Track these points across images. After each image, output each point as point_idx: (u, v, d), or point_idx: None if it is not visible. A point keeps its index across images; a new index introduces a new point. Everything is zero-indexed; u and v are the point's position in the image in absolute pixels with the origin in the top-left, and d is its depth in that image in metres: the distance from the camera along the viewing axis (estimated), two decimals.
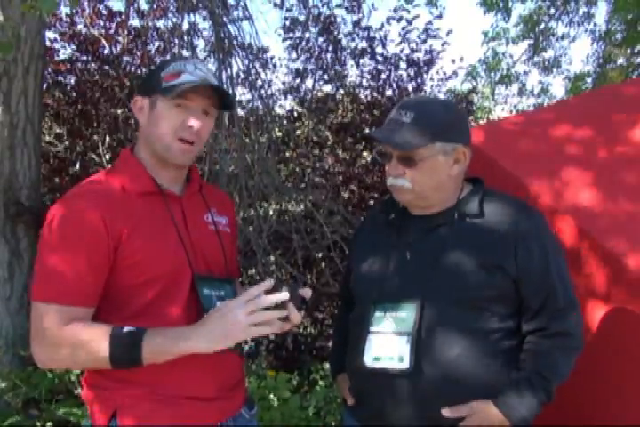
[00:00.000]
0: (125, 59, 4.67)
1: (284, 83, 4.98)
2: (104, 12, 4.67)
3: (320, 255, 3.94)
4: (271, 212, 3.99)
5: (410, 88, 5.01)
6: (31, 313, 1.46)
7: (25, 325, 3.04)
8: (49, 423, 2.76)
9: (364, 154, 4.80)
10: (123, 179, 1.56)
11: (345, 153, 4.74)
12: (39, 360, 1.47)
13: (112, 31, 4.65)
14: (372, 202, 4.54)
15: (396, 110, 1.68)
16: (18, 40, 2.94)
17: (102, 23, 4.67)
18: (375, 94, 4.94)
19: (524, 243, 1.63)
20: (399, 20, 4.92)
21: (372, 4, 5.01)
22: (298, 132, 4.80)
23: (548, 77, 11.76)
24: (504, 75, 11.23)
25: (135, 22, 4.77)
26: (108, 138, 4.41)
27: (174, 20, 4.14)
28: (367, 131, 4.69)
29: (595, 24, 10.05)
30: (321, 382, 3.35)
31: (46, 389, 2.83)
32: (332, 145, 4.78)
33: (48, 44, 4.05)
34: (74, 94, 4.53)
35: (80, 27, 4.68)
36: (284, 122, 4.68)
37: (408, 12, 4.95)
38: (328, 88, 5.01)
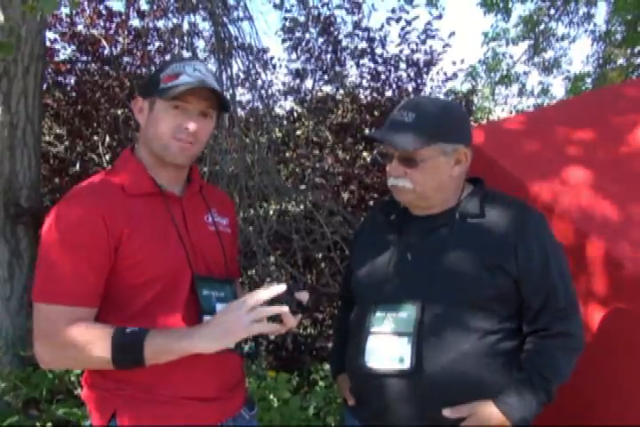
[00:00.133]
0: (125, 59, 4.68)
1: (284, 83, 4.98)
2: (104, 12, 4.67)
3: (320, 256, 3.94)
4: (271, 212, 3.99)
5: (410, 89, 5.01)
6: (33, 314, 1.46)
7: (25, 325, 3.05)
8: (49, 424, 2.76)
9: (364, 154, 4.80)
10: (123, 179, 1.56)
11: (345, 153, 4.74)
12: (42, 361, 1.47)
13: (112, 31, 4.65)
14: (371, 202, 4.54)
15: (397, 111, 1.68)
16: (18, 40, 2.94)
17: (102, 23, 4.67)
18: (375, 95, 4.94)
19: (524, 243, 1.63)
20: (398, 20, 4.92)
21: (372, 5, 5.02)
22: (298, 132, 4.80)
23: (548, 78, 11.78)
24: (504, 75, 11.23)
25: (135, 23, 4.77)
26: (107, 138, 4.41)
27: (174, 20, 4.15)
28: (367, 131, 4.69)
29: (595, 24, 10.07)
30: (321, 383, 3.35)
31: (46, 389, 2.83)
32: (331, 145, 4.77)
33: (48, 44, 4.04)
34: (74, 95, 4.53)
35: (80, 27, 4.69)
36: (284, 122, 4.68)
37: (407, 12, 4.96)
38: (328, 89, 5.02)
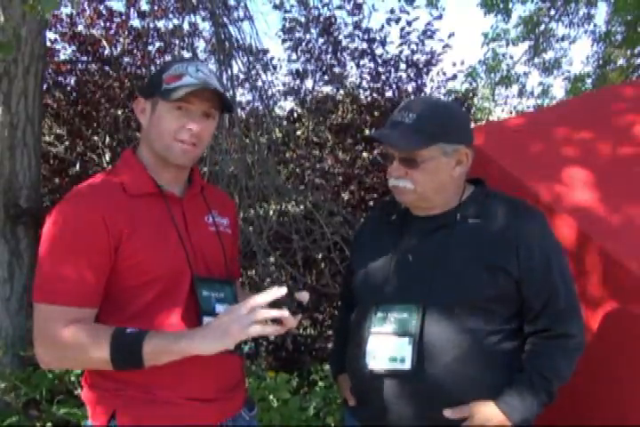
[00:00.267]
0: (126, 59, 4.68)
1: (284, 84, 4.99)
2: (104, 12, 4.67)
3: (320, 256, 3.94)
4: (271, 212, 3.99)
5: (410, 89, 5.01)
6: (34, 314, 1.46)
7: (24, 325, 3.05)
8: (48, 424, 2.76)
9: (364, 155, 4.80)
10: (123, 180, 1.56)
11: (345, 154, 4.74)
12: (42, 361, 1.47)
13: (112, 32, 4.65)
14: (371, 203, 4.54)
15: (398, 111, 1.68)
16: (18, 40, 2.94)
17: (103, 24, 4.68)
18: (375, 95, 4.94)
19: (525, 244, 1.63)
20: (398, 21, 4.93)
21: (373, 6, 5.02)
22: (298, 132, 4.80)
23: (548, 78, 11.77)
24: (504, 76, 11.23)
25: (136, 23, 4.78)
26: (108, 138, 4.42)
27: (175, 20, 4.15)
28: (367, 132, 4.69)
29: (595, 25, 10.06)
30: (320, 383, 3.35)
31: (46, 389, 2.83)
32: (331, 146, 4.78)
33: (48, 44, 4.05)
34: (74, 95, 4.53)
35: (80, 27, 4.69)
36: (284, 123, 4.68)
37: (408, 13, 4.96)
38: (328, 89, 5.02)
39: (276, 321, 1.42)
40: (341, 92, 5.00)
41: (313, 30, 4.83)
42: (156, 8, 4.52)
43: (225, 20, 3.65)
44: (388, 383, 1.64)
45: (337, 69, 4.91)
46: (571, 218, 2.09)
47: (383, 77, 4.95)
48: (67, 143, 4.57)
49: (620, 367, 1.98)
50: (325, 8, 4.80)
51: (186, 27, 3.94)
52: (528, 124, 2.54)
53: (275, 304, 1.40)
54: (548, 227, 1.71)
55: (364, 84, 5.03)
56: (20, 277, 3.13)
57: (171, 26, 4.22)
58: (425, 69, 5.06)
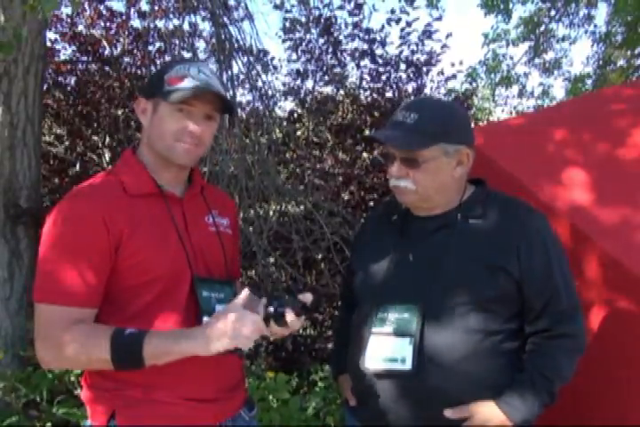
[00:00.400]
0: (126, 59, 4.68)
1: (284, 84, 4.99)
2: (105, 12, 4.67)
3: (320, 256, 3.94)
4: (271, 213, 3.99)
5: (410, 89, 5.01)
6: (34, 314, 1.46)
7: (24, 325, 3.05)
8: (48, 424, 2.76)
9: (364, 155, 4.80)
10: (124, 180, 1.56)
11: (345, 154, 4.74)
12: (43, 361, 1.48)
13: (113, 32, 4.65)
14: (372, 203, 4.54)
15: (399, 111, 1.68)
16: (19, 41, 2.93)
17: (103, 24, 4.68)
18: (375, 96, 4.94)
19: (526, 244, 1.63)
20: (398, 21, 4.93)
21: (373, 6, 5.02)
22: (298, 133, 4.80)
23: (548, 79, 11.76)
24: (504, 76, 11.22)
25: (136, 23, 4.78)
26: (108, 138, 4.42)
27: (175, 21, 4.15)
28: (367, 132, 4.69)
29: (595, 26, 10.07)
30: (320, 384, 3.35)
31: (46, 389, 2.83)
32: (331, 146, 4.77)
33: (49, 44, 4.05)
34: (74, 95, 4.53)
35: (81, 27, 4.69)
36: (285, 123, 4.68)
37: (407, 14, 4.97)
38: (328, 89, 5.02)
39: (281, 322, 1.42)
40: (341, 92, 5.00)
41: (313, 30, 4.83)
42: (156, 8, 4.51)
43: (225, 20, 3.66)
44: (389, 384, 1.64)
45: (337, 70, 4.91)
46: (570, 218, 2.09)
47: (383, 78, 4.96)
48: (67, 143, 4.57)
49: (619, 368, 1.98)
50: (326, 8, 4.81)
51: (186, 27, 3.95)
52: (528, 124, 2.54)
53: (278, 305, 1.41)
54: (548, 227, 1.71)
55: (365, 84, 5.03)
56: (19, 278, 3.13)
57: (171, 26, 4.22)
58: (425, 70, 5.06)
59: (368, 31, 4.90)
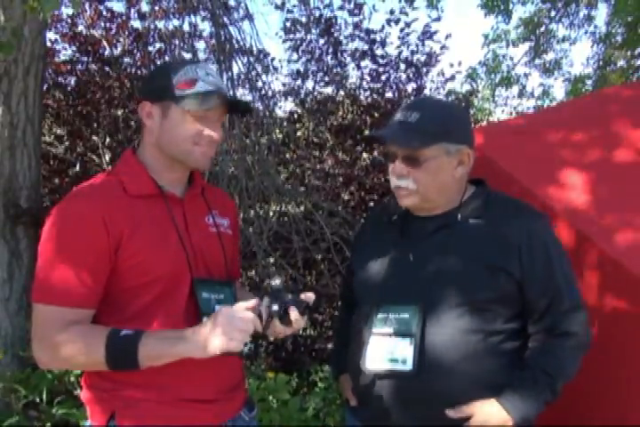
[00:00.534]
0: (126, 60, 4.68)
1: (284, 84, 4.99)
2: (105, 13, 4.67)
3: (320, 257, 3.94)
4: (271, 213, 3.99)
5: (409, 90, 5.02)
6: (32, 314, 1.46)
7: (24, 326, 3.04)
8: (48, 424, 2.76)
9: (364, 156, 4.80)
10: (124, 180, 1.56)
11: (345, 155, 4.74)
12: (39, 361, 1.48)
13: (113, 32, 4.65)
14: (372, 204, 4.54)
15: (401, 111, 1.68)
16: (19, 41, 2.94)
17: (103, 24, 4.67)
18: (375, 96, 4.94)
19: (528, 245, 1.63)
20: (397, 22, 4.94)
21: (373, 6, 5.03)
22: (298, 133, 4.80)
23: (548, 80, 11.76)
24: (504, 77, 11.22)
25: (136, 24, 4.77)
26: (108, 139, 4.41)
27: (175, 21, 4.15)
28: (367, 132, 4.69)
29: (595, 26, 10.06)
30: (320, 384, 3.34)
31: (46, 390, 2.83)
32: (332, 147, 4.77)
33: (49, 44, 4.05)
34: (74, 95, 4.53)
35: (81, 28, 4.69)
36: (285, 123, 4.68)
37: (407, 15, 4.97)
38: (328, 90, 5.02)
39: (285, 322, 1.42)
40: (342, 92, 5.00)
41: (314, 31, 4.83)
42: (156, 9, 4.51)
43: (225, 20, 3.65)
44: (390, 384, 1.64)
45: (337, 70, 4.91)
46: (569, 219, 2.09)
47: (383, 78, 4.96)
48: (67, 143, 4.57)
49: (620, 368, 1.98)
50: (326, 9, 4.81)
51: (186, 27, 3.94)
52: (528, 125, 2.54)
53: (282, 304, 1.41)
54: (549, 228, 1.71)
55: (365, 84, 5.03)
56: (19, 278, 3.12)
57: (171, 26, 4.22)
58: (424, 70, 5.06)
59: (368, 32, 4.91)
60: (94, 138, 4.45)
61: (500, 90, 11.64)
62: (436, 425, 1.63)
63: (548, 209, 2.10)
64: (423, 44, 5.03)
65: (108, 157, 4.32)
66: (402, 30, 4.98)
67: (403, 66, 5.00)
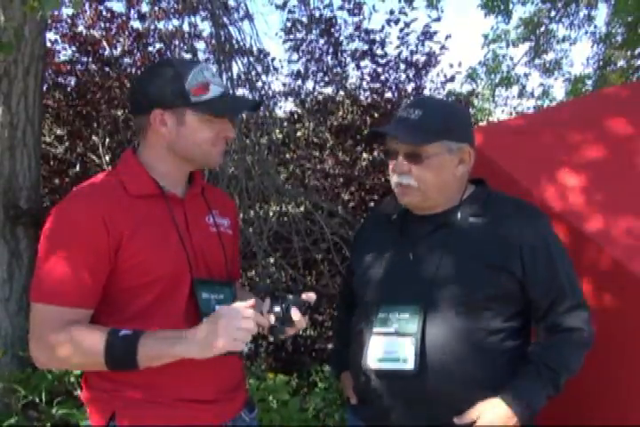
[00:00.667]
0: (126, 60, 4.68)
1: (284, 84, 4.99)
2: (105, 13, 4.66)
3: (320, 257, 3.94)
4: (271, 213, 3.99)
5: (409, 90, 5.02)
6: (30, 314, 1.46)
7: (24, 326, 3.04)
8: (48, 425, 2.75)
9: (364, 156, 4.80)
10: (124, 180, 1.56)
11: (345, 155, 4.74)
12: (37, 361, 1.47)
13: (113, 32, 4.65)
14: (372, 204, 4.54)
15: (403, 108, 1.69)
16: (19, 41, 2.93)
17: (103, 25, 4.67)
18: (375, 96, 4.95)
19: (530, 245, 1.63)
20: (397, 22, 4.94)
21: (373, 6, 5.03)
22: (298, 133, 4.80)
23: (548, 80, 11.76)
24: (504, 77, 11.23)
25: (136, 24, 4.77)
26: (108, 139, 4.41)
27: (175, 21, 4.15)
28: (367, 133, 4.69)
29: (595, 26, 10.06)
30: (320, 384, 3.35)
31: (46, 390, 2.83)
32: (332, 147, 4.77)
33: (49, 45, 4.04)
34: (74, 95, 4.52)
35: (81, 28, 4.68)
36: (285, 124, 4.67)
37: (406, 15, 4.98)
38: (328, 90, 5.02)
39: (287, 322, 1.42)
40: (342, 92, 5.00)
41: (314, 31, 4.83)
42: (156, 9, 4.51)
43: (225, 20, 3.65)
44: (391, 384, 1.64)
45: (337, 70, 4.91)
46: (570, 219, 2.09)
47: (383, 78, 4.96)
48: (67, 144, 4.57)
49: (620, 368, 1.98)
50: (327, 9, 4.81)
51: (186, 28, 3.95)
52: (528, 125, 2.54)
53: (284, 305, 1.41)
54: (550, 227, 1.72)
55: (365, 84, 5.03)
56: (19, 278, 3.12)
57: (171, 27, 4.22)
58: (424, 71, 5.06)
59: (368, 32, 4.91)
60: (94, 138, 4.45)
61: (499, 90, 11.65)
62: (437, 425, 1.63)
63: (548, 209, 2.10)
64: (423, 45, 5.04)
65: (108, 158, 4.32)
66: (401, 30, 4.98)
67: (402, 66, 5.01)
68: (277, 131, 4.43)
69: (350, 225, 3.84)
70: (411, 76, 5.03)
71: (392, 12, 4.95)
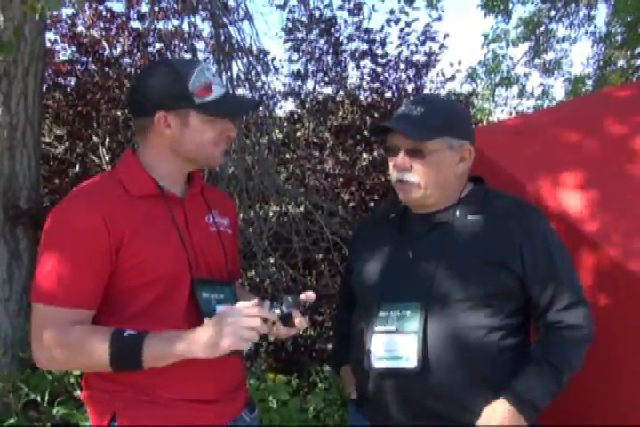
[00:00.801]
0: (126, 60, 4.68)
1: (284, 84, 4.99)
2: (105, 13, 4.66)
3: (320, 257, 3.94)
4: (271, 213, 3.99)
5: (409, 90, 5.02)
6: (32, 315, 1.46)
7: (24, 326, 3.04)
8: (48, 425, 2.76)
9: (365, 156, 4.80)
10: (124, 180, 1.55)
11: (345, 155, 4.74)
12: (39, 362, 1.47)
13: (112, 33, 4.65)
14: (372, 204, 4.54)
15: (405, 105, 1.70)
16: (19, 41, 2.93)
17: (103, 25, 4.67)
18: (375, 96, 4.95)
19: (529, 243, 1.63)
20: (397, 22, 4.94)
21: (373, 6, 5.03)
22: (298, 133, 4.80)
23: (548, 79, 11.76)
24: (504, 77, 11.23)
25: (136, 24, 4.77)
26: (107, 139, 4.41)
27: (175, 21, 4.15)
28: (367, 133, 4.69)
29: (595, 26, 10.06)
30: (320, 385, 3.35)
31: (46, 390, 2.83)
32: (332, 147, 4.77)
33: (48, 45, 4.05)
34: (74, 96, 4.52)
35: (80, 28, 4.69)
36: (285, 124, 4.68)
37: (407, 15, 4.98)
38: (328, 90, 5.02)
39: (288, 322, 1.42)
40: (342, 92, 5.00)
41: (314, 31, 4.83)
42: (156, 9, 4.51)
43: (225, 20, 3.66)
44: (394, 382, 1.64)
45: (337, 70, 4.91)
46: (569, 219, 2.09)
47: (382, 78, 4.96)
48: (67, 144, 4.57)
49: (620, 367, 1.98)
50: (327, 9, 4.81)
51: (186, 28, 3.95)
52: (527, 124, 2.54)
53: (284, 306, 1.41)
54: (549, 224, 1.73)
55: (365, 84, 5.03)
56: (19, 279, 3.12)
57: (171, 27, 4.22)
58: (424, 70, 5.06)
59: (368, 32, 4.91)
60: (94, 138, 4.45)
61: (499, 90, 11.65)
62: (439, 423, 1.63)
63: (547, 208, 2.10)
64: (423, 44, 5.04)
65: (107, 158, 4.32)
66: (402, 30, 4.98)
67: (403, 66, 5.01)
68: (277, 131, 4.43)
69: (350, 225, 3.84)
70: (411, 75, 5.03)
71: (392, 12, 4.95)
